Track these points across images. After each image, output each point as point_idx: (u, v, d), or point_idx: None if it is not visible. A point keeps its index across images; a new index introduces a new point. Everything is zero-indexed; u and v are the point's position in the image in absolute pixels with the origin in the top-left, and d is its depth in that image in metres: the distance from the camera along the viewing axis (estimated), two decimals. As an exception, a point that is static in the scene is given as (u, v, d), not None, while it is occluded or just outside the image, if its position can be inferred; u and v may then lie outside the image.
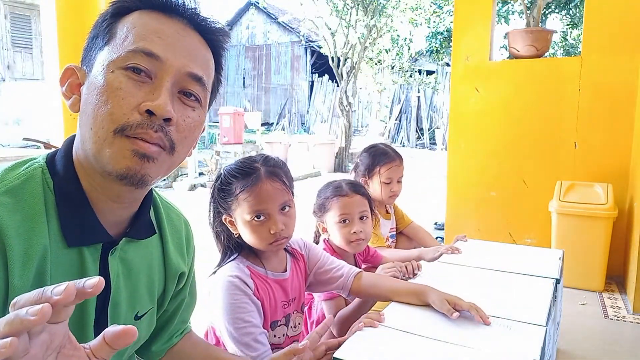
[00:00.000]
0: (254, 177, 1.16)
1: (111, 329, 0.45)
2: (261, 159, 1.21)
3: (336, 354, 0.92)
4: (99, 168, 0.68)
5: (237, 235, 1.22)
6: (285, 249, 1.31)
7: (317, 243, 1.69)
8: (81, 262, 0.70)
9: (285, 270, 1.27)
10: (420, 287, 1.18)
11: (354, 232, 1.54)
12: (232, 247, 1.25)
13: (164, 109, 0.66)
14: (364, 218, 1.58)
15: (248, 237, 1.19)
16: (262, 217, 1.16)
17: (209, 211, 1.27)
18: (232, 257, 1.22)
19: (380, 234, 2.07)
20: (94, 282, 0.43)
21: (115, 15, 0.70)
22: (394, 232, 2.25)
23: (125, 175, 0.66)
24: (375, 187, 2.11)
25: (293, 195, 1.23)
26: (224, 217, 1.22)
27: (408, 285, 1.23)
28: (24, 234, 0.63)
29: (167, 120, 0.67)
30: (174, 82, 0.69)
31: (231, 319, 1.11)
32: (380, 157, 2.13)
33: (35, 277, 0.64)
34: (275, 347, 1.26)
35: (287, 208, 1.20)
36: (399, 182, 2.15)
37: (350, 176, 2.14)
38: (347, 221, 1.55)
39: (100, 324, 0.73)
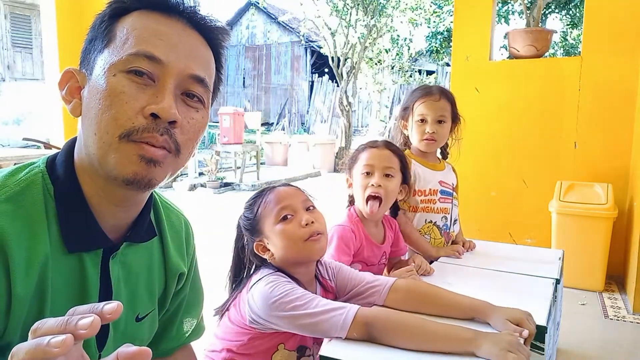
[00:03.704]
0: (269, 190, 1.19)
1: (125, 350, 0.44)
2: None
3: (321, 352, 0.92)
4: (103, 173, 0.67)
5: (270, 259, 1.16)
6: (316, 277, 1.22)
7: (352, 202, 1.59)
8: (81, 268, 0.69)
9: None
10: (478, 304, 1.08)
11: (372, 185, 1.47)
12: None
13: (168, 111, 0.65)
14: (389, 176, 1.50)
15: (281, 244, 1.13)
16: (288, 216, 1.14)
17: (235, 255, 1.23)
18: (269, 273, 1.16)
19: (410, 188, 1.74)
20: (112, 307, 0.43)
21: (113, 16, 0.68)
22: (450, 190, 1.87)
23: (132, 180, 0.66)
24: (411, 130, 1.82)
25: (314, 203, 1.20)
26: (254, 245, 1.17)
27: (462, 298, 1.11)
28: (26, 242, 0.63)
29: (172, 122, 0.67)
30: (176, 84, 0.68)
31: (290, 301, 1.01)
32: (417, 91, 1.83)
33: (37, 284, 0.64)
34: None
35: (312, 208, 1.18)
36: (439, 122, 1.77)
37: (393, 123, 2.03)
38: (369, 173, 1.49)
39: (102, 328, 0.73)
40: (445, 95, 1.81)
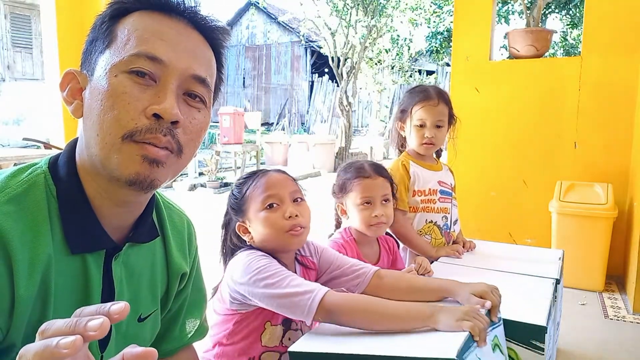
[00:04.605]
0: (262, 173, 1.20)
1: (131, 350, 0.44)
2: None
3: (290, 348, 0.94)
4: (105, 174, 0.67)
5: (249, 241, 1.19)
6: (296, 259, 1.25)
7: (338, 227, 1.63)
8: (84, 269, 0.69)
9: None
10: (446, 284, 1.14)
11: (375, 216, 1.49)
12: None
13: (171, 112, 0.65)
14: (386, 201, 1.53)
15: (263, 231, 1.15)
16: (274, 205, 1.15)
17: (222, 230, 1.26)
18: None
19: (406, 192, 1.80)
20: (119, 307, 0.43)
21: (114, 17, 0.68)
22: (448, 189, 1.88)
23: (134, 180, 0.65)
24: (409, 133, 1.84)
25: (303, 194, 1.22)
26: (237, 225, 1.19)
27: (432, 281, 1.19)
28: (29, 243, 0.63)
29: (175, 123, 0.66)
30: (178, 84, 0.68)
31: (263, 278, 1.04)
32: (415, 95, 1.83)
33: (40, 285, 0.63)
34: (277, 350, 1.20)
35: (299, 200, 1.18)
36: (438, 127, 1.79)
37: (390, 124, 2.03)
38: (369, 204, 1.51)
39: None
40: (443, 98, 1.83)
